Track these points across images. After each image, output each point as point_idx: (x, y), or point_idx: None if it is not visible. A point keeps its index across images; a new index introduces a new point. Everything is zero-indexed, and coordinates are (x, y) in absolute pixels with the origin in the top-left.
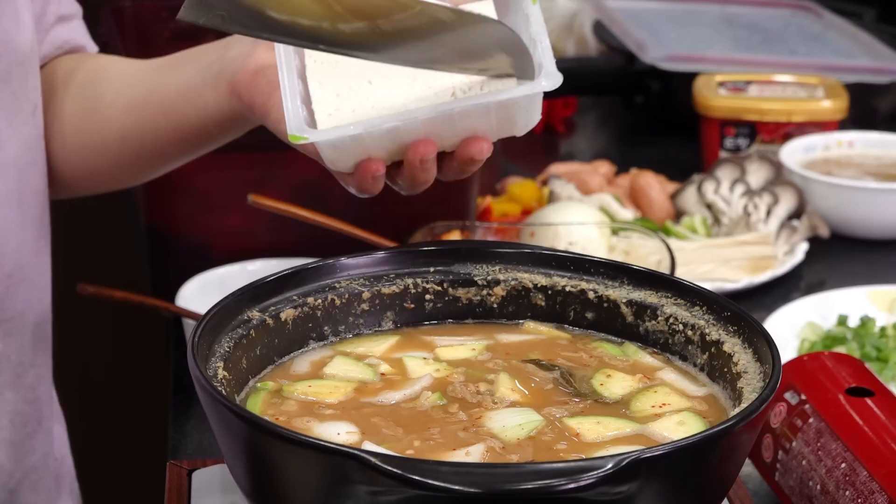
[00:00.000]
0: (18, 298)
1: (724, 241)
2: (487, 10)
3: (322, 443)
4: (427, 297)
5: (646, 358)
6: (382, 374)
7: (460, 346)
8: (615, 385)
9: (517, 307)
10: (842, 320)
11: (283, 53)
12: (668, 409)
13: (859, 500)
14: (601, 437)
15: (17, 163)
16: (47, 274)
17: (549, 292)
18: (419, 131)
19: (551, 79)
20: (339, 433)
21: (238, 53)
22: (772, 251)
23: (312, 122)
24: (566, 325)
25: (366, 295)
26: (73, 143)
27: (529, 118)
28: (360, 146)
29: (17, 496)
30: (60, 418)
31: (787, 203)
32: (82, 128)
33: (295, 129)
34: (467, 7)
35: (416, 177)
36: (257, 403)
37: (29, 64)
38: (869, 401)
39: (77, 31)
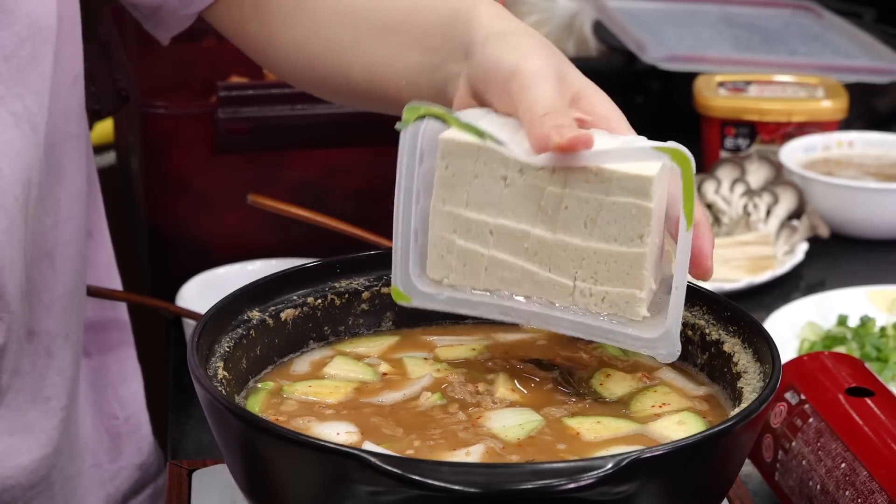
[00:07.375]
0: (62, 279)
1: (724, 241)
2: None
3: (322, 443)
4: None
5: (645, 357)
6: (383, 374)
7: (460, 346)
8: (615, 385)
9: None
10: (842, 320)
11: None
12: (668, 408)
13: (859, 500)
14: (601, 437)
15: (48, 137)
16: (107, 258)
17: None
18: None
19: (669, 348)
20: (338, 433)
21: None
22: (772, 251)
23: (423, 256)
24: None
25: (366, 295)
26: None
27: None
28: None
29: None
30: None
31: (787, 203)
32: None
33: (401, 285)
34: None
35: None
36: (257, 403)
37: (59, 36)
38: (869, 401)
39: None
